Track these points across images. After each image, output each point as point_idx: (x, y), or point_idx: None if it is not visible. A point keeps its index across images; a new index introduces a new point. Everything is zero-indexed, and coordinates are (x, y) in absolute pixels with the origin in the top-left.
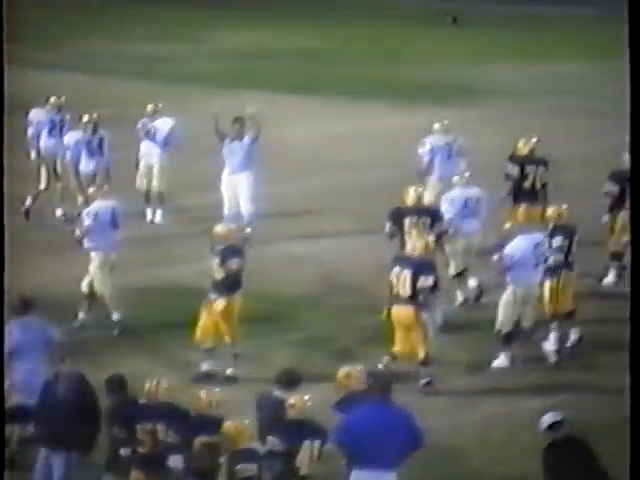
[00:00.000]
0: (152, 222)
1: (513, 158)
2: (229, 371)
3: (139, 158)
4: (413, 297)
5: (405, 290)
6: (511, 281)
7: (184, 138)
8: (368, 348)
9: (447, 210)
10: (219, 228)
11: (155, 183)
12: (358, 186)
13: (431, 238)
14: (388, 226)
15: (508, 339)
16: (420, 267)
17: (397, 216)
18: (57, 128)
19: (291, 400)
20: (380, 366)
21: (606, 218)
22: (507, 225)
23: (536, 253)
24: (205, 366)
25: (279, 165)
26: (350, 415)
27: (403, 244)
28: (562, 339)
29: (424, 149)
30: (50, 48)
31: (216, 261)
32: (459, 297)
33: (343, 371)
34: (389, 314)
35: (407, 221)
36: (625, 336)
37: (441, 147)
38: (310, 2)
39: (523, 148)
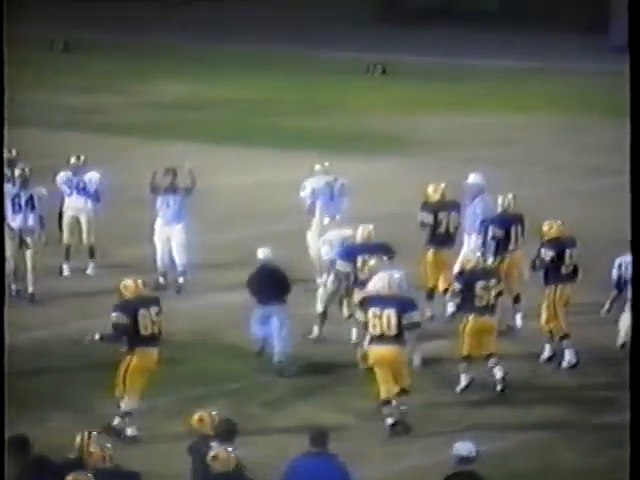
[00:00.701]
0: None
1: (425, 205)
2: (129, 431)
3: (62, 211)
4: (398, 335)
5: (390, 329)
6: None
7: (113, 190)
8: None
9: (326, 252)
10: (126, 282)
11: (85, 236)
12: (290, 235)
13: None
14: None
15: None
16: (403, 304)
17: (350, 254)
18: None
19: (213, 453)
20: (389, 420)
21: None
22: (372, 262)
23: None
24: (115, 420)
25: (211, 215)
26: (290, 468)
27: (355, 281)
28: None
29: (305, 192)
30: None
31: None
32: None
33: (196, 415)
34: (365, 356)
35: (359, 258)
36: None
37: (322, 189)
38: (241, 53)
39: (434, 195)
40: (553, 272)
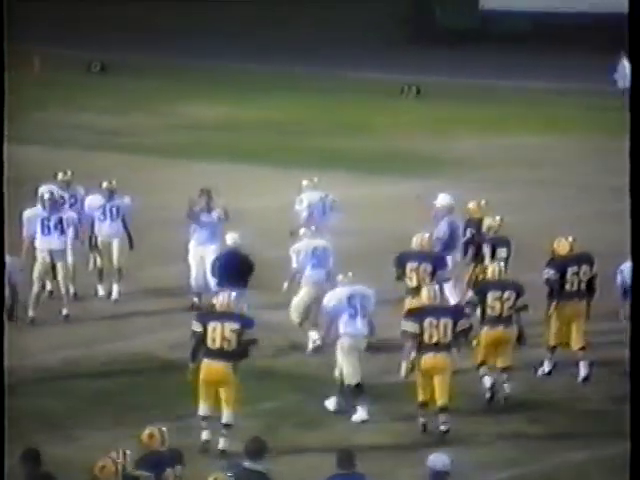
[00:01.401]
0: (114, 299)
1: (470, 222)
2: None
3: (94, 236)
4: (450, 343)
5: (446, 337)
6: (340, 332)
7: (145, 211)
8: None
9: (294, 260)
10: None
11: (115, 260)
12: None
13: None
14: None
15: (359, 390)
16: (456, 313)
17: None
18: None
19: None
20: (422, 419)
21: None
22: (340, 278)
23: (352, 304)
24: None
25: (243, 235)
26: None
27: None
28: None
29: (301, 206)
30: (7, 119)
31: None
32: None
33: (147, 431)
34: (414, 365)
35: (409, 266)
36: None
37: (316, 203)
38: (273, 75)
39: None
40: (556, 290)
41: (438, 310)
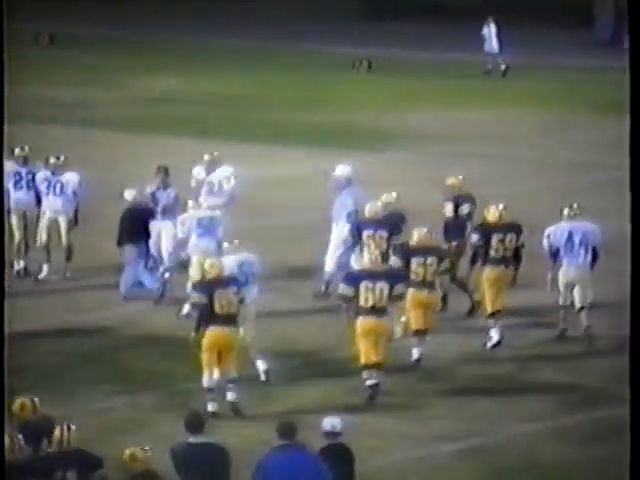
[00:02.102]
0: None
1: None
2: (210, 407)
3: (41, 212)
4: (386, 307)
5: (382, 301)
6: None
7: (98, 185)
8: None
9: (179, 230)
10: (207, 263)
11: (63, 238)
12: (278, 230)
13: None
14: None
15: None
16: (393, 277)
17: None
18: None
19: (127, 451)
20: (369, 382)
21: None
22: (226, 246)
23: (242, 271)
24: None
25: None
26: (263, 463)
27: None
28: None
29: (198, 177)
30: None
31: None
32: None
33: (128, 452)
34: (351, 325)
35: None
36: None
37: (212, 177)
38: (229, 49)
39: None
40: (480, 255)
41: (374, 274)
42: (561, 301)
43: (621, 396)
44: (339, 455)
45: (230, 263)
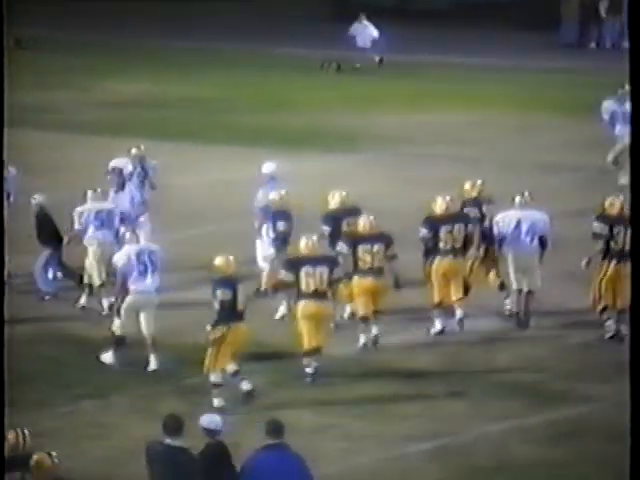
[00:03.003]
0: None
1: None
2: (216, 402)
3: None
4: (327, 292)
5: (322, 285)
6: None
7: (61, 189)
8: None
9: (76, 222)
10: (217, 260)
11: None
12: (245, 233)
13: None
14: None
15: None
16: (332, 262)
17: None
18: None
19: (35, 456)
20: (309, 370)
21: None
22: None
23: (141, 260)
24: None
25: (167, 213)
26: (250, 462)
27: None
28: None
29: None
30: None
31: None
32: None
33: (35, 457)
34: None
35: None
36: None
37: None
38: (196, 51)
39: (471, 191)
40: (429, 248)
41: (314, 259)
42: (515, 286)
43: (588, 395)
44: (219, 453)
45: (127, 252)
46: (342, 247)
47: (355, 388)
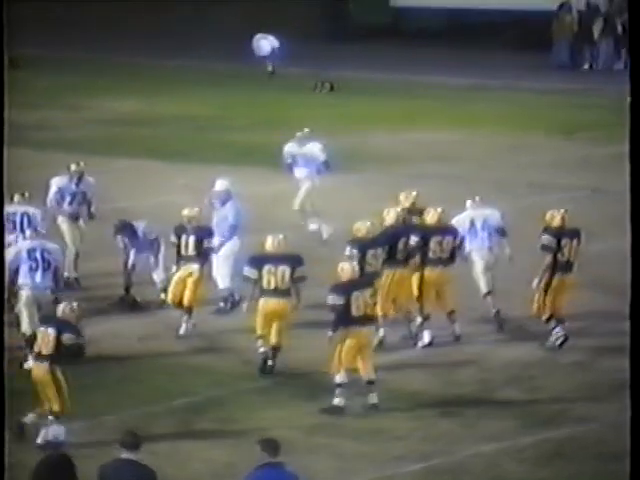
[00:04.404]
0: None
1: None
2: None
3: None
4: (288, 289)
5: (284, 283)
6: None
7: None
8: None
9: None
10: (340, 266)
11: None
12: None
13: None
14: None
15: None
16: (295, 261)
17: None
18: None
19: None
20: (262, 349)
21: None
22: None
23: (32, 257)
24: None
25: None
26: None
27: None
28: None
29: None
30: None
31: None
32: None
33: None
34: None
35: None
36: None
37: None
38: (190, 69)
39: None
40: (419, 256)
41: (276, 258)
42: (484, 289)
43: (582, 416)
44: (60, 465)
45: (19, 247)
46: (250, 272)
47: (348, 408)
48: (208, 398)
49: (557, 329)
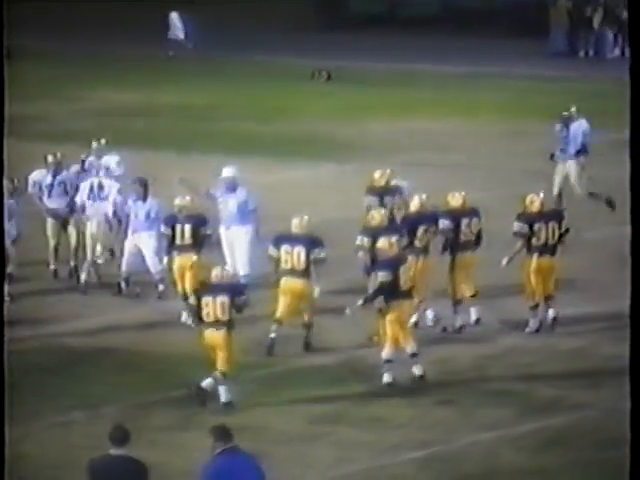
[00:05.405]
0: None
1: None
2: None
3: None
4: (306, 269)
5: (299, 263)
6: None
7: None
8: None
9: None
10: (380, 242)
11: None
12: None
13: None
14: None
15: None
16: (311, 243)
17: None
18: None
19: None
20: (272, 335)
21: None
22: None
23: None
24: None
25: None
26: (206, 471)
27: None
28: None
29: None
30: None
31: None
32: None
33: None
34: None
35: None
36: None
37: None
38: (187, 60)
39: (380, 180)
40: (451, 240)
41: (293, 238)
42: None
43: (578, 403)
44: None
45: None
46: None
47: (346, 395)
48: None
49: (533, 320)
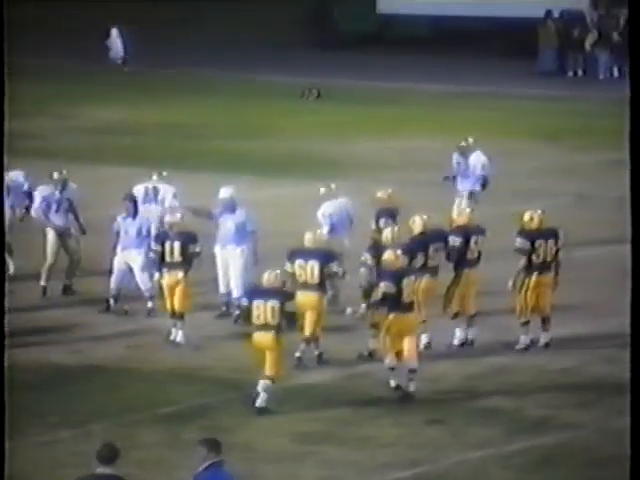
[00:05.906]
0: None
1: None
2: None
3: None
4: (320, 284)
5: (313, 278)
6: None
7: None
8: None
9: None
10: (386, 254)
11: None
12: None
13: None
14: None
15: None
16: (325, 257)
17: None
18: None
19: None
20: (298, 354)
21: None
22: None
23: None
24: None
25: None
26: None
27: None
28: None
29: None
30: None
31: None
32: None
33: None
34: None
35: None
36: None
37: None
38: (176, 78)
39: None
40: (461, 257)
41: (306, 253)
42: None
43: (568, 422)
44: None
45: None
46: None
47: (335, 414)
48: (194, 406)
49: (523, 336)
